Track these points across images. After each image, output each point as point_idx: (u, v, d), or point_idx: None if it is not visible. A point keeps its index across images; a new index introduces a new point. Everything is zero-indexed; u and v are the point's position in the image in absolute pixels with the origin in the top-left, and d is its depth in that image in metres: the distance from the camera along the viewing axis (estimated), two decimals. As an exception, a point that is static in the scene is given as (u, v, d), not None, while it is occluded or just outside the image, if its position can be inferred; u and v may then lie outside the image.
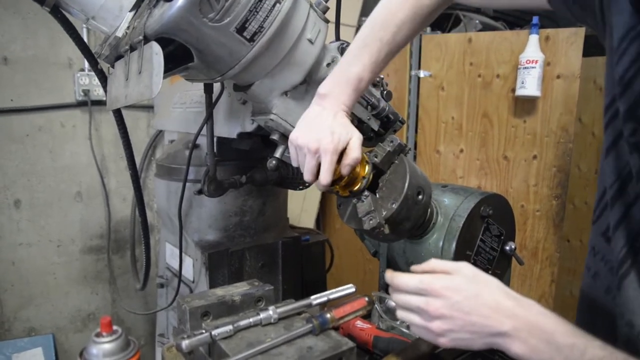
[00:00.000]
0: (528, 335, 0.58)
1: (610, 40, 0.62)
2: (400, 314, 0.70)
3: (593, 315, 0.74)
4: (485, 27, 2.27)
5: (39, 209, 1.92)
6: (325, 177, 0.80)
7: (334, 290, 0.90)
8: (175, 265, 1.33)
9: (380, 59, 0.85)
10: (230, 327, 0.77)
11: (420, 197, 0.90)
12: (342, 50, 0.98)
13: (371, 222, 0.85)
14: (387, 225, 0.87)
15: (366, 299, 0.89)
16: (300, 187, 1.33)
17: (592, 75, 2.43)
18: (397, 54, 0.90)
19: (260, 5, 0.78)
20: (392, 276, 0.71)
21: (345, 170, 0.83)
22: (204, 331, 0.75)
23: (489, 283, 0.65)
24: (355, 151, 0.81)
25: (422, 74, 2.14)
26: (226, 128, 1.16)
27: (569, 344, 0.56)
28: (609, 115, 0.65)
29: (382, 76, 1.08)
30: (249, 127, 1.07)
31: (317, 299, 0.88)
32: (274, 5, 0.79)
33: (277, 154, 0.97)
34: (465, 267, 0.67)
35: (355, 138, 0.83)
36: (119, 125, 1.17)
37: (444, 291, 0.64)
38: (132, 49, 0.80)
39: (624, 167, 0.63)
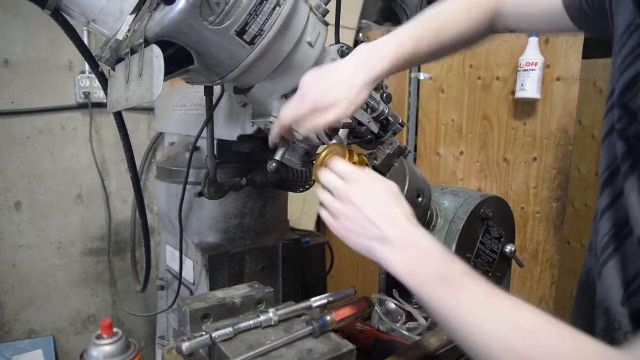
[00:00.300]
0: (407, 249, 0.61)
1: (616, 38, 0.64)
2: (318, 190, 0.72)
3: (585, 310, 0.74)
4: (485, 30, 2.27)
5: (39, 211, 1.92)
6: (284, 114, 0.78)
7: (334, 292, 0.90)
8: (176, 268, 1.33)
9: (424, 39, 0.80)
10: (230, 329, 0.77)
11: (420, 199, 0.91)
12: (342, 53, 0.98)
13: (371, 224, 0.85)
14: (387, 228, 0.87)
15: (366, 301, 0.89)
16: (301, 189, 1.33)
17: (592, 77, 2.43)
18: (443, 52, 0.85)
19: (261, 8, 0.78)
20: (332, 158, 0.74)
21: (293, 135, 0.80)
22: (204, 333, 0.76)
23: (404, 207, 0.66)
24: (313, 123, 0.74)
25: (422, 76, 2.14)
26: (226, 131, 1.16)
27: (441, 258, 0.59)
28: (608, 105, 0.66)
29: (382, 79, 1.09)
30: (250, 130, 1.07)
31: (317, 301, 0.88)
32: (274, 9, 0.80)
33: (278, 156, 0.97)
34: (394, 185, 0.69)
35: (332, 113, 0.73)
36: (120, 127, 1.17)
37: (363, 183, 0.67)
38: (133, 52, 0.80)
39: (615, 156, 0.64)
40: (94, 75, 1.41)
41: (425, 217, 1.05)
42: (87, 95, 1.90)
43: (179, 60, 0.82)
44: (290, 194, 1.45)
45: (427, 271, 0.58)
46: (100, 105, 1.95)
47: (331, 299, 0.89)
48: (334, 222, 0.68)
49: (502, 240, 1.12)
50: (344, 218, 0.66)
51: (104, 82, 1.07)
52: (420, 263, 0.60)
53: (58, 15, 0.92)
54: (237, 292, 0.90)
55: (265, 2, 0.78)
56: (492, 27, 0.87)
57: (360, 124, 1.03)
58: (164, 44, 0.76)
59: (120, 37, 0.86)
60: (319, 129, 0.76)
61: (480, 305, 0.53)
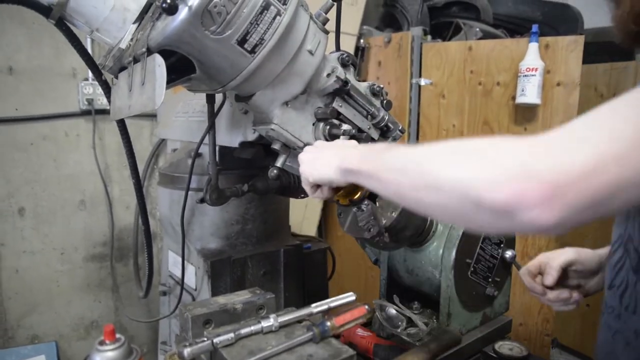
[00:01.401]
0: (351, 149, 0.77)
1: None
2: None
3: None
4: (486, 35, 2.28)
5: (42, 217, 1.93)
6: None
7: (334, 298, 0.90)
8: (178, 273, 1.33)
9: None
10: (231, 335, 0.78)
11: (419, 205, 0.91)
12: (342, 61, 0.99)
13: (371, 230, 0.86)
14: (387, 234, 0.87)
15: (366, 307, 0.90)
16: (302, 195, 1.33)
17: (593, 82, 2.43)
18: None
19: (261, 18, 0.79)
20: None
21: None
22: (205, 339, 0.76)
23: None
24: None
25: (422, 82, 2.15)
26: (228, 137, 1.17)
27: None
28: None
29: (382, 85, 1.10)
30: (251, 137, 1.08)
31: (318, 307, 0.88)
32: (274, 18, 0.81)
33: (279, 163, 0.98)
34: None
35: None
36: (123, 134, 1.18)
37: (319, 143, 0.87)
38: (136, 60, 0.81)
39: None
40: (97, 82, 1.42)
41: (425, 222, 1.05)
42: (90, 101, 1.92)
43: (180, 68, 0.83)
44: (292, 200, 1.46)
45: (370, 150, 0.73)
46: (103, 112, 1.97)
47: (332, 304, 0.89)
48: (305, 168, 0.82)
49: (502, 245, 1.13)
50: (308, 160, 0.82)
51: (107, 90, 1.08)
52: (364, 149, 0.74)
53: (62, 24, 0.94)
54: (238, 298, 0.91)
55: (265, 11, 0.80)
56: None
57: (360, 130, 1.04)
58: (166, 53, 0.77)
59: (123, 45, 0.87)
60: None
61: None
